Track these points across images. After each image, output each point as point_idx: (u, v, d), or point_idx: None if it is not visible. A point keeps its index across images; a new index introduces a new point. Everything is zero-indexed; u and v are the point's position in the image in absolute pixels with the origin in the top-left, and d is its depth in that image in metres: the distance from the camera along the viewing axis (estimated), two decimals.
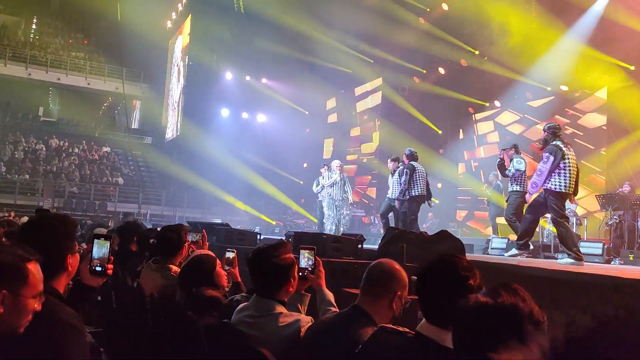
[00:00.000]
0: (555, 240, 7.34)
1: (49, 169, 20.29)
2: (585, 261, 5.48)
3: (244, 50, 17.36)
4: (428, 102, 14.41)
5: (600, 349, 2.93)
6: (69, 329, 1.52)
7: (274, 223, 16.61)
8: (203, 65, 18.45)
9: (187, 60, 20.40)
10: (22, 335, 1.41)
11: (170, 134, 22.74)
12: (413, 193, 7.52)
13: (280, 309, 2.09)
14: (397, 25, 12.82)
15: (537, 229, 6.68)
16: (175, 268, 3.06)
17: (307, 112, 18.54)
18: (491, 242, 8.19)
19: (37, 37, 27.03)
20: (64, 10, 27.93)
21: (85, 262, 1.89)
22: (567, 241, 5.22)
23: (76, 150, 22.35)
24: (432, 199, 8.11)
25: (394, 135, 14.19)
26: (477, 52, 12.89)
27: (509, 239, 7.96)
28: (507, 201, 6.71)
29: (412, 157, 7.79)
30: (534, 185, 5.44)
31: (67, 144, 22.63)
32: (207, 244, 3.70)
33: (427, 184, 7.80)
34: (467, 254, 5.25)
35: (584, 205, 10.06)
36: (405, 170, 7.57)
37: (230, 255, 3.08)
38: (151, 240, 3.77)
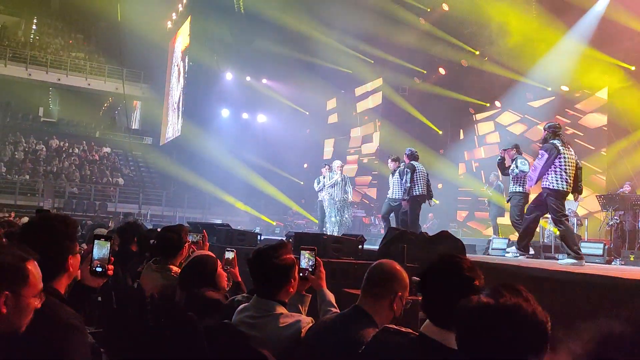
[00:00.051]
0: (556, 241, 7.35)
1: (49, 169, 20.30)
2: (586, 262, 5.49)
3: (244, 51, 17.36)
4: (428, 102, 14.40)
5: (600, 349, 2.93)
6: (70, 330, 1.52)
7: (274, 223, 16.61)
8: (203, 65, 18.45)
9: (187, 60, 20.40)
10: (24, 336, 1.41)
11: (170, 134, 22.74)
12: (413, 193, 7.52)
13: (281, 309, 2.09)
14: (397, 26, 12.81)
15: (537, 230, 6.68)
16: (175, 268, 3.06)
17: (307, 113, 18.54)
18: (492, 242, 8.19)
19: (37, 38, 27.05)
20: (64, 11, 27.94)
21: (86, 262, 1.89)
22: (568, 240, 5.25)
23: (76, 150, 22.36)
24: (433, 199, 8.11)
25: (394, 135, 14.20)
26: (477, 53, 12.89)
27: (509, 239, 7.96)
28: (508, 201, 6.68)
29: (413, 156, 7.79)
30: (530, 179, 5.60)
31: (67, 144, 22.64)
32: (208, 244, 3.69)
33: (428, 184, 7.81)
34: (469, 255, 5.26)
35: (584, 205, 10.05)
36: (405, 169, 7.57)
37: (230, 255, 3.08)
38: (151, 241, 3.77)
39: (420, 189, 7.56)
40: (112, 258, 1.92)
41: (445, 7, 12.70)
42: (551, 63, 11.04)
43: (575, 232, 7.84)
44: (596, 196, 8.67)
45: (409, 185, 7.45)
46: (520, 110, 13.11)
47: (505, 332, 1.14)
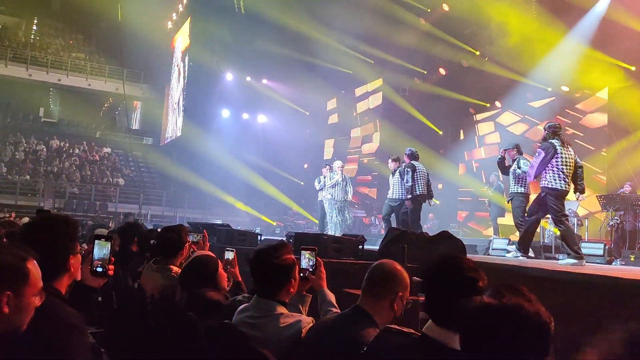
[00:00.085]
0: (556, 241, 7.35)
1: (50, 169, 20.31)
2: (587, 262, 5.49)
3: (244, 51, 17.37)
4: (429, 102, 14.40)
5: (602, 349, 2.92)
6: (71, 330, 1.52)
7: (274, 224, 16.62)
8: (203, 66, 18.45)
9: (187, 60, 20.41)
10: (26, 335, 1.42)
11: (170, 134, 22.75)
12: (415, 192, 7.53)
13: (281, 309, 2.09)
14: (397, 26, 12.81)
15: (537, 230, 6.67)
16: (176, 269, 3.06)
17: (307, 113, 18.54)
18: (492, 242, 8.19)
19: (38, 38, 27.07)
20: (65, 11, 27.95)
21: (86, 262, 1.89)
22: (569, 240, 5.25)
23: (77, 151, 22.37)
24: (433, 199, 8.11)
25: (394, 135, 14.20)
26: (477, 53, 12.89)
27: (509, 240, 7.97)
28: (509, 202, 6.64)
29: (413, 156, 7.79)
30: (528, 175, 5.68)
31: (67, 144, 22.65)
32: (208, 244, 3.69)
33: (429, 184, 7.81)
34: (469, 255, 5.26)
35: (584, 205, 10.05)
36: (406, 169, 7.58)
37: (230, 256, 3.08)
38: (152, 241, 3.77)
39: (420, 189, 7.57)
40: (113, 258, 1.93)
41: (446, 7, 12.70)
42: (551, 63, 11.04)
43: (575, 232, 7.85)
44: (596, 196, 8.67)
45: (410, 184, 7.46)
46: (521, 110, 13.11)
47: (508, 332, 1.15)
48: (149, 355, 2.33)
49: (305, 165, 18.59)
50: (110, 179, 20.99)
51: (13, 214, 14.00)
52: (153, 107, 25.18)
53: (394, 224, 7.91)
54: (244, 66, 18.16)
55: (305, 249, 2.44)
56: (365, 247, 5.10)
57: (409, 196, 7.47)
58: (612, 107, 10.98)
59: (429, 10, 13.05)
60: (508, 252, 6.81)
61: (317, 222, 10.37)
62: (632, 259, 6.90)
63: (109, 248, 1.91)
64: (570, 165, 5.34)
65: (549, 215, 5.85)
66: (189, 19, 20.72)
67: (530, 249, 6.13)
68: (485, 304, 1.19)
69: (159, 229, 4.26)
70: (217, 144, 17.97)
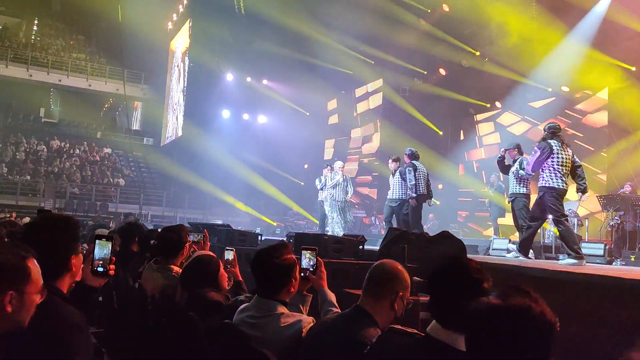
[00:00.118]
0: (557, 241, 7.34)
1: (50, 170, 20.32)
2: (587, 262, 5.49)
3: (244, 52, 17.38)
4: (429, 103, 14.40)
5: (601, 349, 2.93)
6: (74, 329, 1.53)
7: (274, 224, 16.62)
8: (204, 66, 18.46)
9: (187, 61, 20.42)
10: (28, 335, 1.43)
11: (171, 135, 22.77)
12: (417, 192, 7.55)
13: (282, 309, 2.10)
14: (397, 27, 12.82)
15: (538, 230, 6.67)
16: (176, 268, 3.06)
17: (307, 114, 18.55)
18: (492, 243, 8.20)
19: (38, 39, 27.08)
20: (65, 12, 27.96)
21: (87, 262, 1.89)
22: (568, 240, 5.26)
23: (77, 151, 22.38)
24: (433, 199, 8.12)
25: (394, 136, 14.20)
26: (477, 53, 12.89)
27: (510, 240, 7.97)
28: (510, 202, 6.60)
29: (413, 156, 7.81)
30: (526, 172, 5.83)
31: (68, 145, 22.67)
32: (209, 244, 3.70)
33: (428, 184, 7.82)
34: (471, 255, 5.26)
35: (585, 205, 10.05)
36: (408, 168, 7.59)
37: (229, 256, 3.09)
38: (152, 241, 3.77)
39: (421, 189, 7.58)
40: (114, 258, 1.93)
41: (446, 7, 12.70)
42: (552, 63, 11.04)
43: (575, 232, 7.85)
44: (597, 196, 8.67)
45: (413, 182, 7.47)
46: (521, 110, 13.10)
47: (514, 333, 1.15)
48: (150, 355, 2.34)
49: (306, 166, 18.59)
50: (111, 179, 21.01)
51: (14, 214, 14.01)
52: (153, 108, 25.20)
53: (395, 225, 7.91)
54: (244, 66, 18.16)
55: (306, 249, 2.44)
56: (366, 247, 5.10)
57: (414, 195, 7.47)
58: (612, 108, 10.98)
59: (429, 11, 13.06)
60: (509, 251, 6.81)
61: (317, 222, 10.37)
62: (633, 259, 6.91)
63: (110, 248, 1.91)
64: (567, 165, 5.38)
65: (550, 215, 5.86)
66: (189, 19, 20.74)
67: (531, 250, 6.14)
68: (491, 304, 1.20)
69: (160, 229, 4.26)
70: (218, 145, 17.98)
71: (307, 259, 2.41)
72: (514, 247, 6.03)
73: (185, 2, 21.55)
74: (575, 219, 8.66)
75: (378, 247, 5.08)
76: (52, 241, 1.74)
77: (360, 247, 5.01)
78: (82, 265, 1.88)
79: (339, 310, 2.27)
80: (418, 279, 3.13)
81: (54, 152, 21.97)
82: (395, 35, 13.04)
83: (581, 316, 3.03)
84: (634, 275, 3.48)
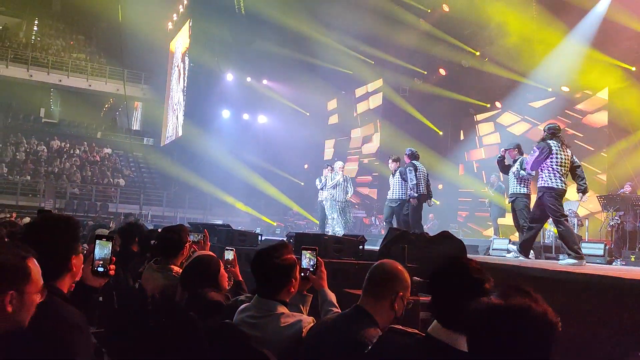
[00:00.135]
0: (557, 241, 7.34)
1: (51, 170, 20.32)
2: (587, 262, 5.49)
3: (244, 52, 17.38)
4: (429, 103, 14.41)
5: (602, 349, 2.93)
6: (74, 329, 1.53)
7: (274, 224, 16.62)
8: (204, 66, 18.46)
9: (187, 61, 20.42)
10: (29, 335, 1.43)
11: (171, 135, 22.77)
12: (418, 191, 7.55)
13: (282, 309, 2.10)
14: (397, 27, 12.82)
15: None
16: (176, 268, 3.06)
17: (307, 114, 18.55)
18: (492, 243, 8.20)
19: (39, 39, 27.08)
20: (65, 12, 27.98)
21: (87, 262, 1.89)
22: (568, 240, 5.27)
23: (77, 151, 22.39)
24: (433, 199, 8.12)
25: (394, 136, 14.20)
26: (477, 53, 12.89)
27: (510, 240, 7.97)
28: (510, 202, 6.60)
29: (413, 156, 7.81)
30: (526, 170, 5.92)
31: (68, 145, 22.67)
32: (209, 244, 3.70)
33: (428, 184, 7.82)
34: (471, 255, 5.26)
35: (585, 205, 10.05)
36: (409, 168, 7.60)
37: (229, 256, 3.09)
38: (152, 242, 3.77)
39: (421, 189, 7.59)
40: (114, 258, 1.93)
41: (446, 7, 12.70)
42: (552, 63, 11.04)
43: (576, 232, 7.85)
44: (597, 197, 8.67)
45: (415, 182, 7.47)
46: (521, 111, 13.10)
47: (516, 333, 1.15)
48: (150, 355, 2.34)
49: (306, 166, 18.59)
50: (111, 180, 21.01)
51: (14, 215, 14.02)
52: (154, 108, 25.20)
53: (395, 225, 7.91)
54: (244, 67, 18.16)
55: (306, 249, 2.44)
56: (366, 247, 5.11)
57: (416, 195, 7.47)
58: (612, 108, 10.97)
59: (429, 11, 13.06)
60: (508, 252, 6.80)
61: (318, 222, 10.37)
62: (633, 259, 6.91)
63: (110, 248, 1.92)
64: (566, 166, 5.41)
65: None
66: (189, 19, 20.75)
67: (531, 250, 6.14)
68: (492, 304, 1.20)
69: (160, 229, 4.26)
70: (218, 145, 17.98)
71: (307, 259, 2.41)
72: (515, 247, 6.03)
73: (185, 2, 21.55)
74: (576, 219, 8.66)
75: (378, 247, 5.09)
76: (52, 241, 1.74)
77: (360, 247, 5.01)
78: (83, 266, 1.88)
79: (339, 310, 2.27)
80: (418, 279, 3.13)
81: (54, 152, 21.98)
82: (396, 36, 13.04)
83: (581, 316, 3.03)
84: (634, 276, 3.48)
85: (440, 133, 15.08)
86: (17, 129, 22.57)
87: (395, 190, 7.97)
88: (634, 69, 10.20)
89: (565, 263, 5.19)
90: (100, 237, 1.94)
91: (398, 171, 7.95)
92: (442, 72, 14.23)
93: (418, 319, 2.94)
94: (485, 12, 11.26)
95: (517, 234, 6.83)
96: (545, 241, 8.40)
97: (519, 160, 6.45)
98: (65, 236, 1.78)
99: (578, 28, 10.40)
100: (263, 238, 7.08)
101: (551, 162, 5.38)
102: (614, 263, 6.81)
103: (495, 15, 11.16)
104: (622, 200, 7.88)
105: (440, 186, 13.53)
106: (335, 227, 9.09)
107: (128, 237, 4.26)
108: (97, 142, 23.76)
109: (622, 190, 8.70)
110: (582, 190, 5.57)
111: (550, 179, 5.37)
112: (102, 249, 1.90)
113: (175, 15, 22.77)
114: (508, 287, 1.24)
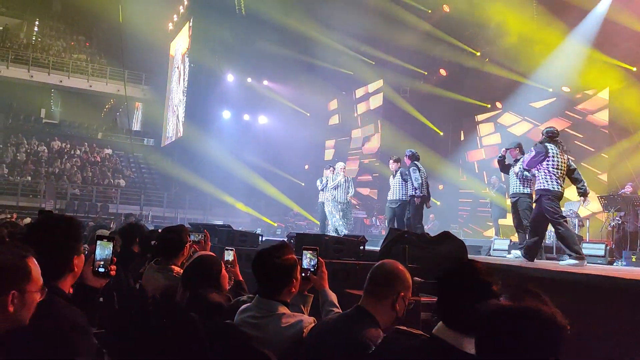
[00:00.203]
0: (558, 242, 7.33)
1: (51, 170, 20.33)
2: (588, 262, 5.49)
3: (245, 52, 17.39)
4: (429, 103, 14.41)
5: (602, 349, 2.93)
6: (76, 329, 1.54)
7: (275, 224, 16.62)
8: (204, 67, 18.48)
9: (188, 62, 20.43)
10: (31, 334, 1.43)
11: (171, 135, 22.79)
12: (422, 191, 7.56)
13: (283, 309, 2.09)
14: (398, 27, 12.82)
15: None
16: (177, 269, 3.06)
17: (308, 114, 18.55)
18: (493, 243, 8.20)
19: (39, 40, 27.11)
20: (66, 13, 28.01)
21: (88, 263, 1.89)
22: (568, 240, 5.27)
23: (78, 152, 22.40)
24: (433, 199, 8.13)
25: (395, 136, 14.20)
26: (478, 54, 12.89)
27: (511, 241, 7.96)
28: (513, 202, 6.58)
29: (414, 157, 7.81)
30: (524, 168, 6.02)
31: (69, 146, 22.68)
32: (210, 244, 3.70)
33: (428, 186, 7.82)
34: (472, 256, 5.26)
35: (585, 206, 10.05)
36: (411, 168, 7.60)
37: (229, 257, 3.09)
38: (152, 242, 3.77)
39: (422, 189, 7.60)
40: (115, 259, 1.93)
41: (446, 8, 12.71)
42: (552, 64, 11.04)
43: (576, 233, 7.85)
44: (598, 197, 8.67)
45: (420, 181, 7.48)
46: (522, 111, 13.10)
47: (525, 335, 1.15)
48: (151, 356, 2.34)
49: (306, 166, 18.59)
50: (112, 180, 21.02)
51: (15, 215, 14.02)
52: (154, 108, 25.21)
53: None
54: (245, 67, 18.18)
55: (307, 249, 2.44)
56: (366, 247, 5.11)
57: (420, 194, 7.48)
58: (613, 108, 10.97)
59: (429, 11, 13.06)
60: (509, 254, 6.80)
61: (318, 223, 10.36)
62: (634, 259, 6.90)
63: (112, 249, 1.92)
64: (562, 169, 5.46)
65: None
66: (189, 20, 20.76)
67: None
68: (502, 306, 1.20)
69: (160, 229, 4.26)
70: (218, 145, 17.98)
71: (308, 259, 2.41)
72: (519, 252, 6.01)
73: (185, 2, 21.57)
74: (576, 219, 8.65)
75: (379, 248, 5.08)
76: (54, 241, 1.74)
77: (361, 247, 5.01)
78: (83, 266, 1.88)
79: (340, 311, 2.27)
80: (419, 279, 3.13)
81: (55, 153, 21.99)
82: (396, 36, 13.04)
83: (581, 316, 3.03)
84: (634, 276, 3.48)
85: (441, 133, 15.08)
86: (18, 130, 22.59)
87: (395, 191, 7.97)
88: (634, 69, 10.20)
89: (566, 264, 5.18)
90: (101, 237, 1.94)
91: (399, 172, 7.95)
92: (443, 72, 14.23)
93: (419, 319, 2.94)
94: (485, 12, 11.26)
95: (516, 234, 6.82)
96: (546, 242, 8.38)
97: (521, 159, 6.45)
98: (66, 236, 1.78)
99: (579, 28, 10.40)
100: (264, 239, 7.08)
101: (547, 164, 5.43)
102: (614, 263, 6.80)
103: (495, 15, 11.16)
104: (623, 200, 7.87)
105: (440, 187, 13.52)
106: (338, 227, 9.07)
107: (129, 238, 4.25)
108: (98, 143, 23.77)
109: (623, 190, 8.68)
110: (582, 193, 5.60)
111: (547, 182, 5.41)
112: (103, 250, 1.90)
113: (175, 15, 22.78)
114: (517, 289, 1.24)
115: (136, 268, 3.55)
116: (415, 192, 7.53)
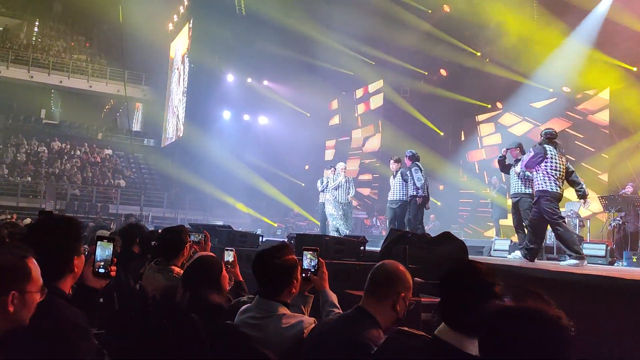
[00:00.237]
0: (558, 242, 7.33)
1: (51, 171, 20.34)
2: (588, 263, 5.49)
3: (245, 52, 17.39)
4: (430, 103, 14.40)
5: (602, 349, 2.92)
6: (76, 329, 1.54)
7: (275, 225, 16.61)
8: (204, 67, 18.48)
9: (188, 62, 20.43)
10: (31, 335, 1.43)
11: (171, 136, 22.79)
12: (424, 192, 7.55)
13: (283, 310, 2.09)
14: (398, 27, 12.82)
15: None
16: (177, 269, 3.06)
17: (308, 114, 18.55)
18: (494, 243, 8.19)
19: (40, 40, 27.12)
20: (66, 13, 28.01)
21: (89, 264, 1.89)
22: (567, 241, 5.28)
23: (78, 152, 22.40)
24: (433, 199, 8.13)
25: (395, 137, 14.20)
26: (478, 54, 12.88)
27: (511, 241, 7.96)
28: (514, 202, 6.57)
29: (414, 157, 7.80)
30: (522, 168, 6.08)
31: (69, 146, 22.69)
32: (210, 244, 3.69)
33: (427, 187, 7.81)
34: (473, 256, 5.26)
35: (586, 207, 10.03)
36: (414, 168, 7.59)
37: (229, 257, 3.08)
38: (152, 243, 3.77)
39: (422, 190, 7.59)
40: (115, 259, 1.93)
41: (446, 8, 12.70)
42: (553, 64, 11.04)
43: (577, 233, 7.84)
44: (598, 197, 8.66)
45: (423, 181, 7.47)
46: (522, 111, 13.09)
47: (529, 336, 1.15)
48: (151, 356, 2.33)
49: (307, 167, 18.59)
50: (112, 181, 21.01)
51: (15, 216, 14.02)
52: (154, 109, 25.22)
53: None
54: (245, 67, 18.18)
55: (307, 249, 2.44)
56: (367, 248, 5.10)
57: (423, 194, 7.47)
58: (614, 108, 10.97)
59: (429, 11, 13.06)
60: (509, 255, 6.80)
61: (319, 223, 10.36)
62: (635, 259, 6.89)
63: (112, 249, 1.91)
64: (561, 171, 5.46)
65: None
66: (190, 20, 20.76)
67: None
68: (506, 307, 1.20)
69: (160, 230, 4.26)
70: (218, 146, 17.98)
71: (308, 260, 2.40)
72: (520, 253, 6.01)
73: (185, 3, 21.57)
74: (577, 219, 8.65)
75: (379, 248, 5.08)
76: (54, 242, 1.74)
77: (362, 248, 5.00)
78: (84, 267, 1.88)
79: (341, 311, 2.26)
80: (419, 279, 3.12)
81: (55, 153, 21.99)
82: (396, 36, 13.04)
83: (582, 316, 3.02)
84: (635, 276, 3.47)
85: (441, 134, 15.07)
86: (18, 130, 22.59)
87: (395, 191, 7.96)
88: (635, 69, 10.21)
89: (566, 264, 5.18)
90: (101, 238, 1.94)
91: (399, 172, 7.95)
92: (443, 72, 14.23)
93: (419, 319, 2.94)
94: (485, 12, 11.26)
95: (517, 234, 6.81)
96: (547, 242, 8.38)
97: (521, 159, 6.45)
98: (67, 237, 1.78)
99: (579, 28, 10.40)
100: (264, 239, 7.07)
101: (546, 165, 5.45)
102: (615, 264, 6.79)
103: (496, 15, 11.16)
104: (623, 200, 7.87)
105: (441, 187, 13.51)
106: (339, 228, 9.06)
107: (129, 238, 4.25)
108: (98, 143, 23.78)
109: (623, 190, 8.68)
110: (581, 196, 5.61)
111: (545, 183, 5.42)
112: (104, 251, 1.90)
113: (175, 16, 22.79)
114: (521, 290, 1.24)
115: (136, 268, 3.55)
116: (417, 192, 7.52)
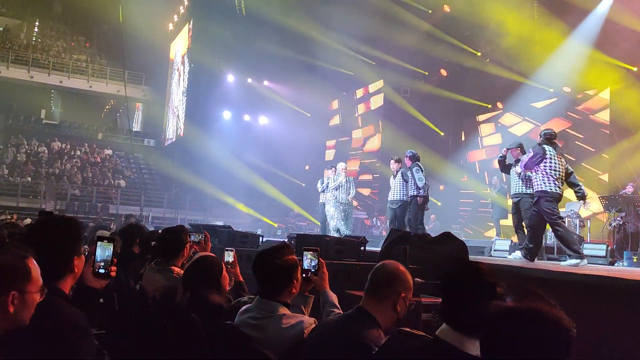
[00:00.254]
0: (559, 242, 7.33)
1: (51, 171, 20.34)
2: (589, 263, 5.49)
3: (245, 53, 17.39)
4: (430, 103, 14.40)
5: (602, 349, 2.92)
6: (76, 330, 1.54)
7: (275, 225, 16.61)
8: (205, 67, 18.48)
9: (188, 62, 20.43)
10: (31, 335, 1.43)
11: (172, 136, 22.79)
12: (418, 193, 7.55)
13: (283, 310, 2.09)
14: (398, 27, 12.82)
15: None
16: (177, 269, 3.06)
17: (309, 115, 18.55)
18: (494, 244, 8.19)
19: (40, 40, 27.12)
20: (66, 13, 28.02)
21: (89, 264, 1.89)
22: (567, 241, 5.28)
23: (78, 152, 22.40)
24: (434, 199, 8.12)
25: (396, 137, 14.20)
26: (479, 54, 12.88)
27: (512, 241, 7.96)
28: (515, 202, 6.57)
29: (415, 158, 7.79)
30: (521, 168, 6.09)
31: (69, 146, 22.69)
32: (210, 245, 3.69)
33: (427, 187, 7.81)
34: (476, 257, 5.26)
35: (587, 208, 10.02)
36: (415, 168, 7.59)
37: (229, 257, 3.08)
38: (152, 243, 3.77)
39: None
40: (115, 259, 1.93)
41: (447, 8, 12.70)
42: (553, 64, 11.03)
43: (577, 233, 7.84)
44: (599, 197, 8.66)
45: (424, 181, 7.47)
46: (522, 111, 13.09)
47: (531, 337, 1.15)
48: (151, 356, 2.33)
49: (307, 167, 18.59)
50: (112, 181, 21.02)
51: (15, 216, 14.02)
52: (154, 109, 25.23)
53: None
54: (245, 67, 18.18)
55: (308, 250, 2.43)
56: (367, 248, 5.10)
57: (424, 194, 7.47)
58: (614, 108, 10.96)
59: (430, 12, 13.06)
60: (510, 255, 6.79)
61: (319, 223, 10.35)
62: (635, 259, 6.88)
63: (112, 250, 1.91)
64: (560, 171, 5.46)
65: None
66: (190, 20, 20.76)
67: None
68: (508, 308, 1.20)
69: (160, 230, 4.25)
70: (218, 146, 17.98)
71: (308, 260, 2.40)
72: (520, 253, 6.02)
73: (185, 3, 21.57)
74: (577, 219, 8.64)
75: (379, 248, 5.07)
76: (54, 242, 1.74)
77: (362, 248, 5.00)
78: (84, 267, 1.88)
79: (341, 312, 2.26)
80: (420, 280, 3.12)
81: (55, 153, 21.99)
82: (396, 36, 13.04)
83: (582, 316, 3.02)
84: (635, 276, 3.47)
85: (442, 134, 15.07)
86: (18, 130, 22.59)
87: (396, 191, 7.96)
88: (635, 69, 10.21)
89: (567, 264, 5.18)
90: (101, 238, 1.94)
91: (399, 172, 7.94)
92: (443, 72, 14.22)
93: (420, 320, 2.93)
94: (486, 12, 11.25)
95: (517, 235, 6.81)
96: (547, 242, 8.37)
97: (521, 159, 6.45)
98: (67, 237, 1.78)
99: (580, 28, 10.40)
100: (264, 239, 7.07)
101: (545, 166, 5.45)
102: (616, 264, 6.79)
103: (496, 15, 11.15)
104: (624, 200, 7.86)
105: (441, 187, 13.51)
106: (340, 228, 9.06)
107: (129, 239, 4.25)
108: (98, 144, 23.78)
109: (624, 190, 8.67)
110: (580, 197, 5.61)
111: (544, 183, 5.42)
112: (104, 251, 1.90)
113: (175, 16, 22.80)
114: (523, 290, 1.24)
115: (136, 269, 3.54)
116: (419, 192, 7.52)
